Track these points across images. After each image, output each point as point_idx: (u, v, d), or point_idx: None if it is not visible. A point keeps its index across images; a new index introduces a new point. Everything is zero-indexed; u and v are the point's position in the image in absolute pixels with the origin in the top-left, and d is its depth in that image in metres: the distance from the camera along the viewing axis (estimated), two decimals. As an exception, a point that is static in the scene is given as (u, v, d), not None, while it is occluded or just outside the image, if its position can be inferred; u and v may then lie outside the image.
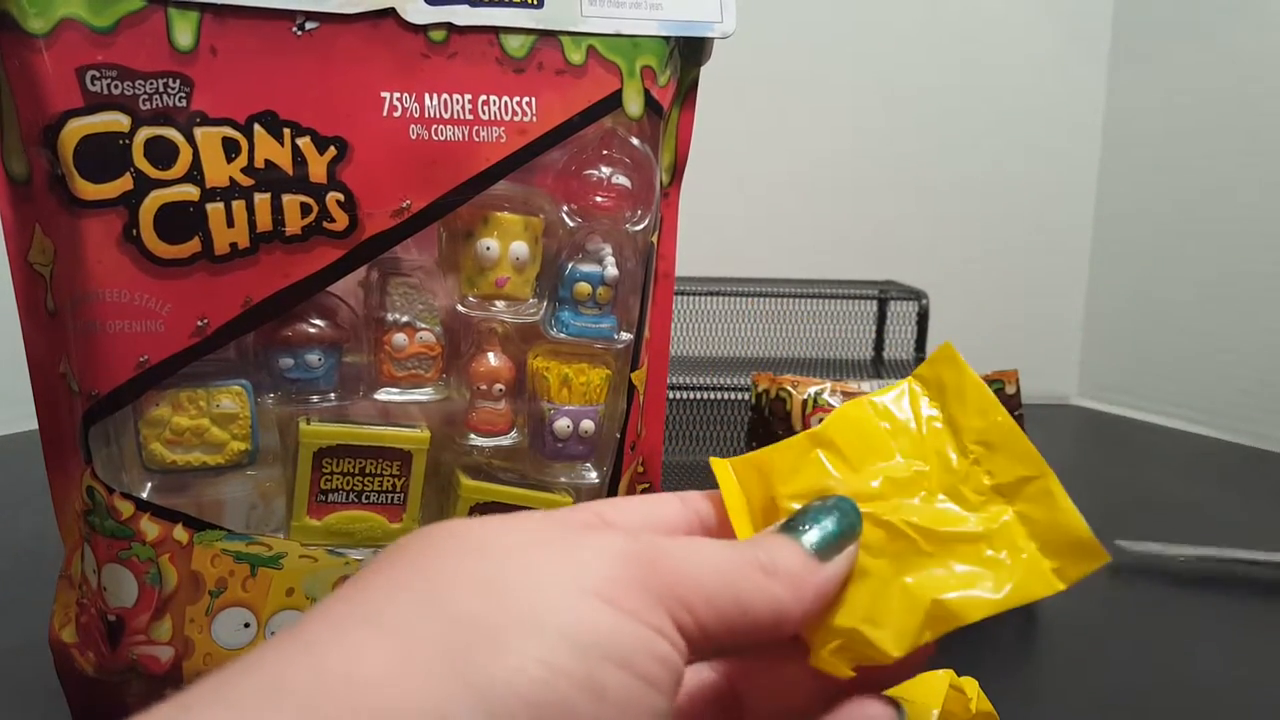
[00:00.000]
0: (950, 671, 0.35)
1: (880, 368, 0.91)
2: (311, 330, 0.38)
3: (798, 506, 0.25)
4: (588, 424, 0.41)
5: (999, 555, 0.24)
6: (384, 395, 0.40)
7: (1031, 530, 0.24)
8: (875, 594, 0.23)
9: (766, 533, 0.24)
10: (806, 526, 0.23)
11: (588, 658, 0.18)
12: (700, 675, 0.26)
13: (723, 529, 0.26)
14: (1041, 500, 0.24)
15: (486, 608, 0.18)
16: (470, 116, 0.38)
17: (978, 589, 0.23)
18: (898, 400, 0.27)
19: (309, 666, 0.17)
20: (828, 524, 0.24)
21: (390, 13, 0.37)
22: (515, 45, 0.38)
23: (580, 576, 0.19)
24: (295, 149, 0.36)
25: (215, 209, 0.36)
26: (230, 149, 0.36)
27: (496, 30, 0.38)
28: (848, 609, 0.23)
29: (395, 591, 0.19)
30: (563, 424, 0.41)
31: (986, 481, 0.25)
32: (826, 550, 0.23)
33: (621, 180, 0.41)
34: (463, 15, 0.37)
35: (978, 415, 0.26)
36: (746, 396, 0.74)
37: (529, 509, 0.41)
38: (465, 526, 0.21)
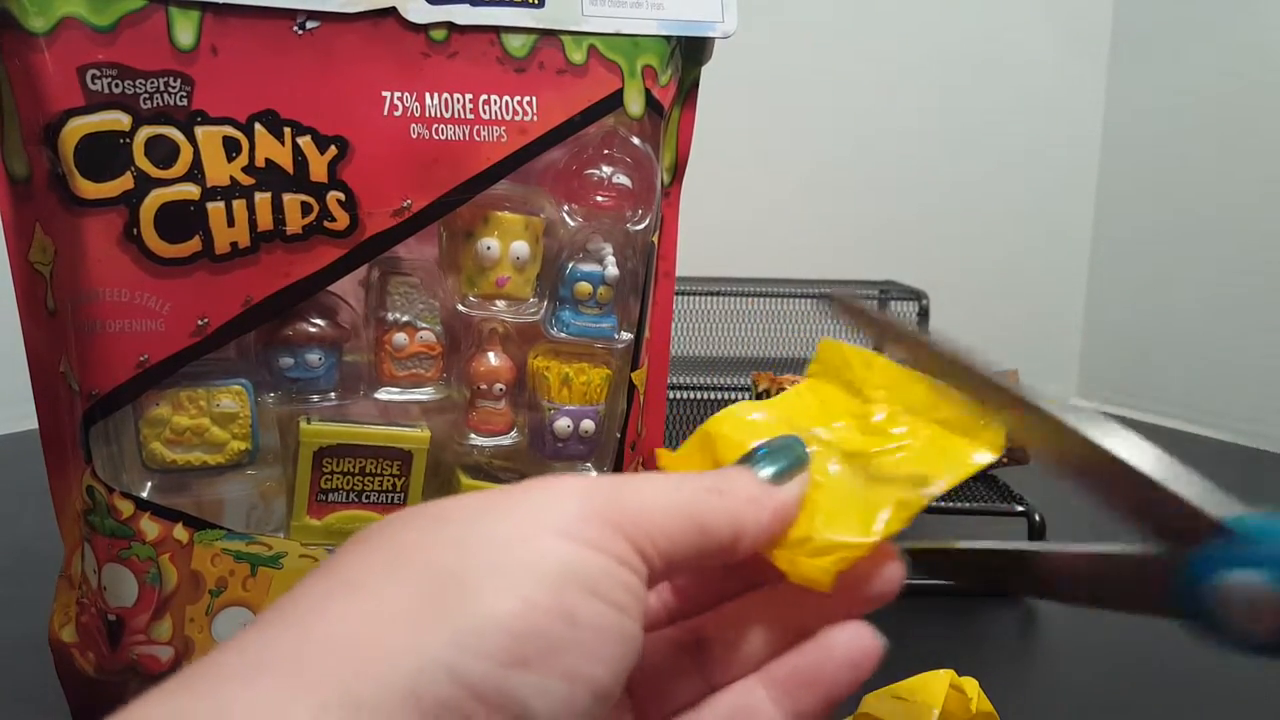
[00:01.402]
0: (950, 672, 0.35)
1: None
2: (312, 329, 0.38)
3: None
4: (588, 424, 0.41)
5: (933, 448, 0.26)
6: (384, 395, 0.40)
7: (950, 429, 0.26)
8: (832, 502, 0.24)
9: (723, 467, 0.25)
10: (758, 462, 0.25)
11: (556, 587, 0.19)
12: (665, 629, 0.26)
13: None
14: (945, 408, 0.26)
15: (457, 560, 0.19)
16: (471, 116, 0.38)
17: (926, 475, 0.25)
18: (800, 391, 0.29)
19: (293, 637, 0.18)
20: (777, 457, 0.25)
21: (391, 12, 0.37)
22: (516, 45, 0.38)
23: (540, 517, 0.20)
24: (296, 148, 0.36)
25: (216, 208, 0.36)
26: (231, 148, 0.35)
27: (497, 29, 0.38)
28: (807, 518, 0.24)
29: (368, 559, 0.20)
30: (563, 424, 0.41)
31: (900, 410, 0.27)
32: (779, 477, 0.24)
33: (622, 180, 0.41)
34: (463, 14, 0.37)
35: (865, 369, 0.28)
36: (746, 396, 0.74)
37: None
38: (428, 504, 0.22)
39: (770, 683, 0.24)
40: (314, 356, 0.39)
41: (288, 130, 0.36)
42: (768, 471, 0.24)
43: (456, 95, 0.38)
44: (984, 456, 0.25)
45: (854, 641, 0.24)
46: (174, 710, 0.17)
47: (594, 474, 0.26)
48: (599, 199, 0.41)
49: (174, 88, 0.35)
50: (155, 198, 0.35)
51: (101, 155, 0.34)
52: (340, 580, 0.20)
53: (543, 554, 0.19)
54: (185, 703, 0.17)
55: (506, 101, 0.38)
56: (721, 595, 0.26)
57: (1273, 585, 0.21)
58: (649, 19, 0.40)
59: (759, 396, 0.70)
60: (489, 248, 0.39)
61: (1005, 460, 0.64)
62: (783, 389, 0.67)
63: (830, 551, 0.23)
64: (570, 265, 0.41)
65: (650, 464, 0.47)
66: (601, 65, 0.40)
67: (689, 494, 0.22)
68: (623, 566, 0.20)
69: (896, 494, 0.24)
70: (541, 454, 0.42)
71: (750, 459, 0.25)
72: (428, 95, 0.37)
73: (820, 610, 0.24)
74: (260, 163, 0.36)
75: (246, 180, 0.36)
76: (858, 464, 0.26)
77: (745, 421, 0.27)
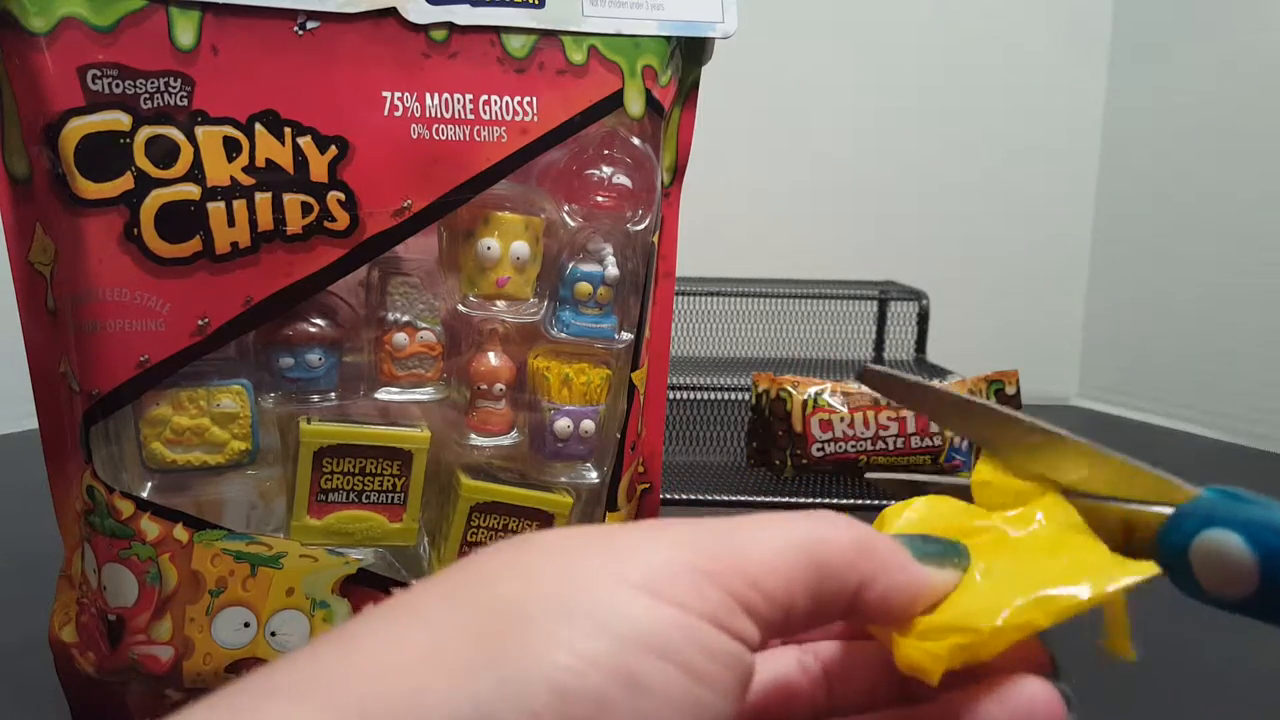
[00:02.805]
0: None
1: (880, 368, 0.91)
2: (312, 329, 0.38)
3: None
4: (588, 424, 0.41)
5: (1088, 557, 0.23)
6: (384, 395, 0.40)
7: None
8: (972, 599, 0.22)
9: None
10: (913, 539, 0.23)
11: (622, 648, 0.17)
12: (783, 664, 0.24)
13: None
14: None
15: (521, 594, 0.18)
16: (471, 116, 0.38)
17: (1078, 578, 0.22)
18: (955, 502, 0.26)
19: (343, 657, 0.17)
20: (933, 543, 0.23)
21: (391, 12, 0.37)
22: (516, 45, 0.38)
23: (620, 567, 0.18)
24: (296, 148, 0.36)
25: (216, 208, 0.36)
26: (231, 148, 0.36)
27: (498, 30, 0.38)
28: (944, 610, 0.22)
29: (438, 584, 0.19)
30: (563, 424, 0.41)
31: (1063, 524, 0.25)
32: (927, 560, 0.22)
33: (622, 180, 0.41)
34: (464, 15, 0.37)
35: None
36: (746, 396, 0.74)
37: (529, 508, 0.41)
38: (529, 534, 0.20)
39: None
40: (314, 356, 0.39)
41: (288, 130, 0.36)
42: (917, 549, 0.22)
43: (457, 95, 0.38)
44: (1137, 574, 0.22)
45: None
46: None
47: (703, 521, 0.23)
48: (599, 199, 0.41)
49: (174, 88, 0.35)
50: (155, 198, 0.35)
51: (102, 155, 0.34)
52: (407, 601, 0.18)
53: (614, 607, 0.17)
54: (222, 715, 0.17)
55: (507, 102, 0.38)
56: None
57: (1244, 543, 0.21)
58: (649, 19, 0.40)
59: (759, 397, 0.70)
60: (489, 248, 0.39)
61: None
62: (783, 389, 0.67)
63: (945, 636, 0.20)
64: (570, 265, 0.41)
65: (650, 464, 0.47)
66: (602, 65, 0.40)
67: (804, 528, 0.20)
68: (714, 629, 0.18)
69: (1037, 589, 0.21)
70: (542, 454, 0.42)
71: (903, 538, 0.22)
72: (428, 95, 0.37)
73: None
74: (260, 163, 0.36)
75: (247, 180, 0.36)
76: (1013, 567, 0.23)
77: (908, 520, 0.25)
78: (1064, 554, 0.23)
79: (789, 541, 0.19)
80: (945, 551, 0.22)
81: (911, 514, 0.25)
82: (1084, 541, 0.24)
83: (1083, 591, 0.21)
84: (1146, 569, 0.22)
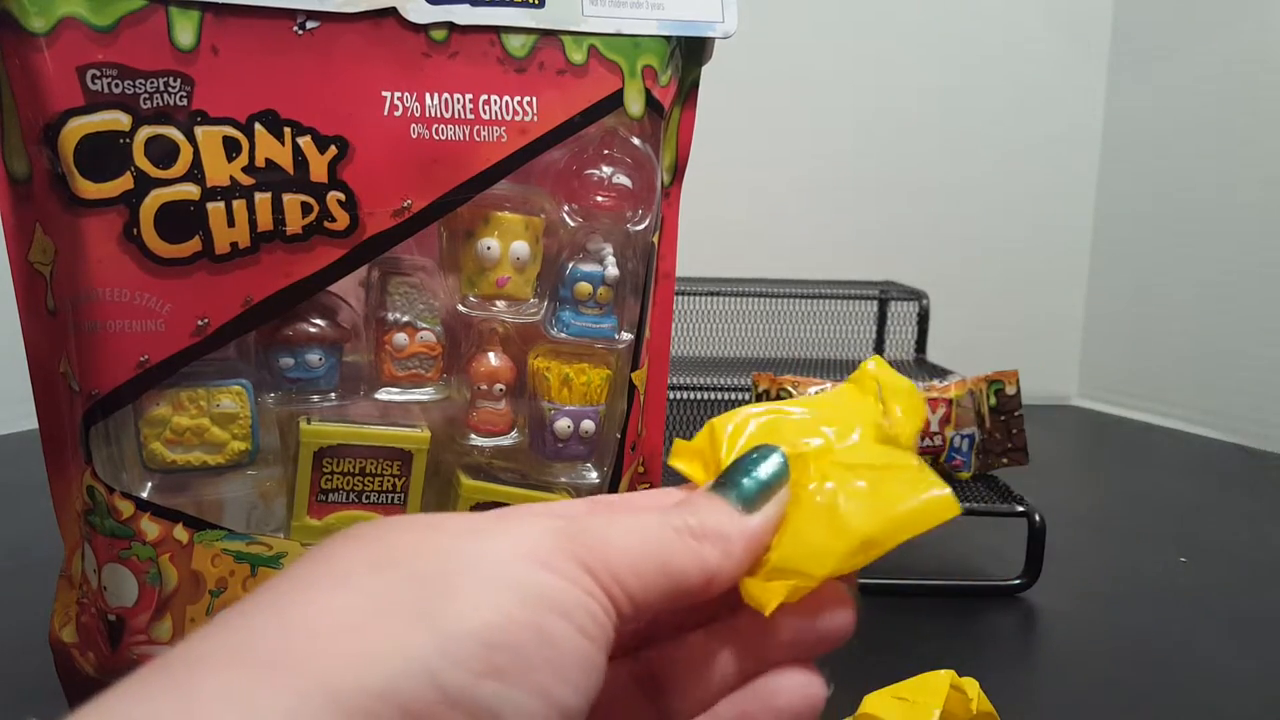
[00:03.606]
0: (951, 672, 0.35)
1: (880, 368, 0.91)
2: (312, 330, 0.38)
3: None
4: (588, 424, 0.41)
5: (908, 485, 0.25)
6: (384, 395, 0.40)
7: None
8: (803, 523, 0.24)
9: (697, 493, 0.25)
10: (736, 479, 0.24)
11: (535, 607, 0.19)
12: (617, 664, 0.26)
13: None
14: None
15: (442, 568, 0.20)
16: (471, 116, 0.38)
17: (889, 524, 0.24)
18: (828, 395, 0.29)
19: (277, 624, 0.18)
20: (756, 473, 0.24)
21: (391, 12, 0.37)
22: (516, 45, 0.38)
23: (518, 546, 0.21)
24: (296, 148, 0.36)
25: (216, 208, 0.36)
26: (231, 148, 0.35)
27: (497, 30, 0.38)
28: (777, 539, 0.24)
29: (356, 554, 0.20)
30: (563, 424, 0.41)
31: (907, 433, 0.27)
32: (755, 500, 0.24)
33: (622, 180, 0.41)
34: (463, 15, 0.37)
35: (901, 395, 0.28)
36: (746, 397, 0.74)
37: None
38: (422, 514, 0.23)
39: None
40: (314, 357, 0.39)
41: (288, 130, 0.36)
42: (743, 491, 0.24)
43: (457, 95, 0.38)
44: (942, 516, 0.24)
45: (799, 689, 0.24)
46: (141, 699, 0.17)
47: (578, 502, 0.26)
48: (599, 199, 0.41)
49: (174, 88, 0.35)
50: (155, 198, 0.35)
51: (101, 155, 0.34)
52: (326, 571, 0.20)
53: (521, 575, 0.20)
54: (155, 692, 0.17)
55: (506, 101, 0.38)
56: (679, 627, 0.26)
57: None
58: (649, 19, 0.40)
59: (759, 397, 0.70)
60: (489, 248, 0.39)
61: (1006, 461, 0.64)
62: (783, 389, 0.67)
63: (784, 577, 0.23)
64: (570, 265, 0.41)
65: (650, 464, 0.47)
66: (602, 65, 0.40)
67: (657, 538, 0.22)
68: (593, 599, 0.21)
69: (859, 536, 0.24)
70: (541, 454, 0.42)
71: (728, 479, 0.24)
72: (428, 95, 0.37)
73: (773, 650, 0.24)
74: (260, 163, 0.36)
75: (246, 180, 0.36)
76: (847, 479, 0.25)
77: (749, 420, 0.27)
78: (882, 479, 0.25)
79: (646, 551, 0.22)
80: (770, 480, 0.24)
81: (763, 416, 0.27)
82: (896, 460, 0.26)
83: (896, 537, 0.24)
84: (949, 508, 0.24)
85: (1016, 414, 0.63)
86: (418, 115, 0.37)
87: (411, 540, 0.21)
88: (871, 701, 0.35)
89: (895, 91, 1.14)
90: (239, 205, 0.36)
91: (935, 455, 0.61)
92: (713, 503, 0.24)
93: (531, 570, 0.20)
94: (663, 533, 0.23)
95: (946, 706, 0.34)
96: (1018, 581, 0.58)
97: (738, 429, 0.27)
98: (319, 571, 0.20)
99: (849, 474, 0.25)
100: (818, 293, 0.94)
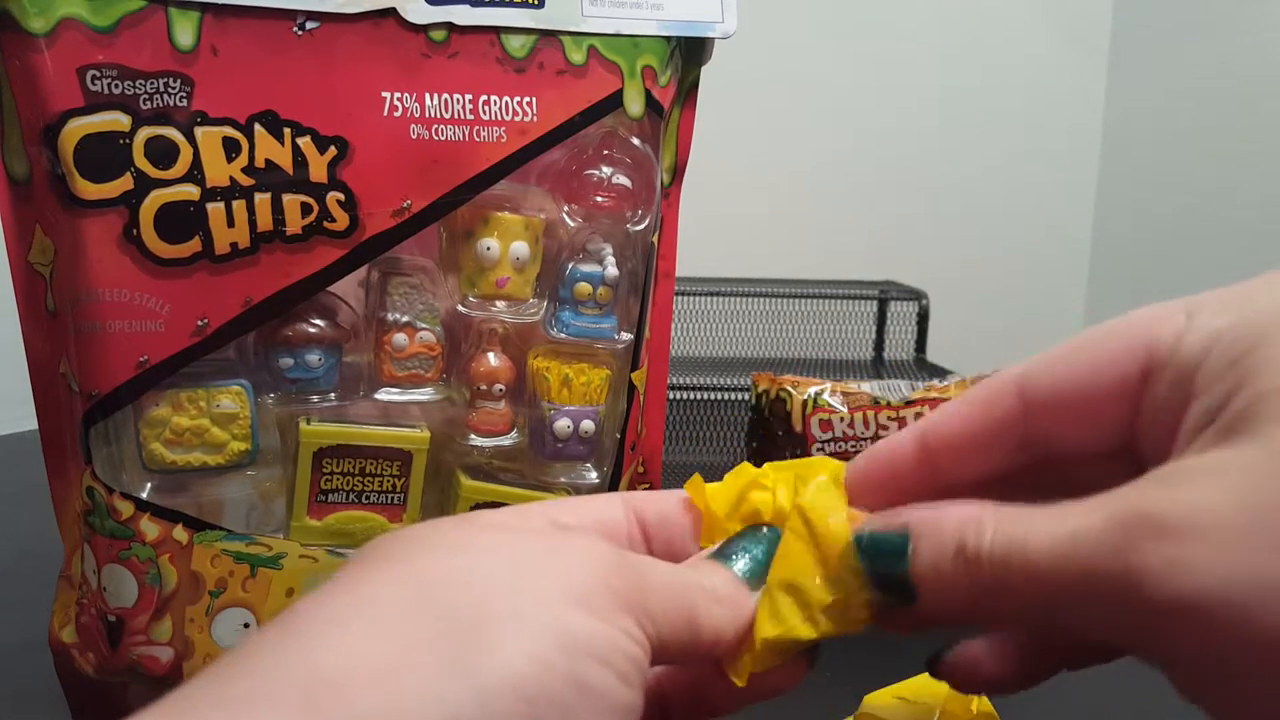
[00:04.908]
0: None
1: (880, 368, 0.91)
2: (312, 330, 0.38)
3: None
4: (588, 424, 0.41)
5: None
6: (384, 395, 0.40)
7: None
8: (777, 609, 0.24)
9: (701, 558, 0.25)
10: (737, 555, 0.24)
11: (572, 654, 0.19)
12: None
13: (662, 530, 0.26)
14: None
15: (477, 607, 0.19)
16: (471, 116, 0.38)
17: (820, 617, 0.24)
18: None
19: (306, 665, 0.17)
20: (756, 553, 0.25)
21: (391, 12, 0.37)
22: (516, 45, 0.38)
23: (559, 580, 0.20)
24: (296, 149, 0.36)
25: (215, 209, 0.36)
26: (231, 149, 0.35)
27: (497, 30, 0.38)
28: (758, 624, 0.24)
29: (385, 588, 0.19)
30: (563, 424, 0.41)
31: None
32: (754, 580, 0.24)
33: (622, 180, 0.41)
34: (463, 15, 0.37)
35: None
36: (746, 397, 0.74)
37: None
38: (446, 525, 0.22)
39: None
40: (314, 357, 0.39)
41: (287, 131, 0.36)
42: (743, 567, 0.24)
43: (456, 96, 0.38)
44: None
45: None
46: None
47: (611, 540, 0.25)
48: (599, 199, 0.41)
49: (174, 88, 0.35)
50: (155, 198, 0.35)
51: (101, 156, 0.34)
52: (356, 604, 0.19)
53: (558, 617, 0.19)
54: None
55: (506, 102, 0.38)
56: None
57: None
58: (649, 19, 0.40)
59: (759, 397, 0.70)
60: (489, 248, 0.39)
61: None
62: (783, 389, 0.67)
63: (759, 653, 0.23)
64: (570, 265, 0.41)
65: (650, 464, 0.47)
66: (601, 66, 0.40)
67: (690, 590, 0.23)
68: (631, 640, 0.20)
69: (807, 628, 0.24)
70: (541, 455, 0.42)
71: (730, 549, 0.25)
72: (428, 96, 0.37)
73: (727, 695, 0.24)
74: (260, 163, 0.36)
75: (246, 181, 0.36)
76: (820, 551, 0.24)
77: (750, 486, 0.26)
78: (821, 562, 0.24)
79: (681, 601, 0.22)
80: (764, 562, 0.24)
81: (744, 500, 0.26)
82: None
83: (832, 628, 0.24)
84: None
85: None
86: (417, 116, 0.37)
87: (445, 570, 0.20)
88: (872, 701, 0.35)
89: (895, 92, 1.14)
90: (239, 206, 0.36)
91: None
92: (722, 572, 0.24)
93: (572, 611, 0.19)
94: (692, 587, 0.23)
95: (945, 706, 0.34)
96: (1018, 581, 0.58)
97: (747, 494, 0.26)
98: (345, 603, 0.19)
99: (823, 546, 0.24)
100: (817, 293, 0.94)
